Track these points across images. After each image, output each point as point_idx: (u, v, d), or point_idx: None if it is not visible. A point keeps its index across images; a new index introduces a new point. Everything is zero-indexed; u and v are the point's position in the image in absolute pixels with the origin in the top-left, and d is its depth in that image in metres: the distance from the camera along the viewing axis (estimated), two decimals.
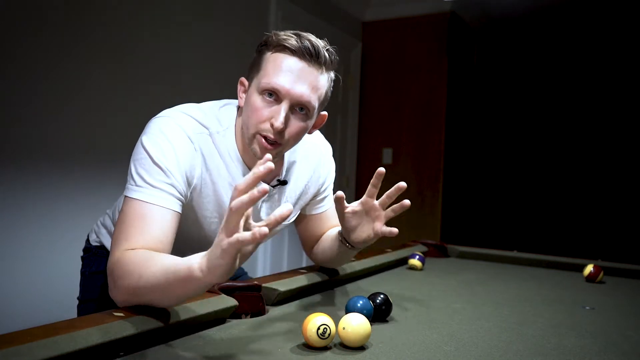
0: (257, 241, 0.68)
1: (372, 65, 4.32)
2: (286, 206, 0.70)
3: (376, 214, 1.08)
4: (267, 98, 1.03)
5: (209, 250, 0.74)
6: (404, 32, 4.22)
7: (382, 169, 1.04)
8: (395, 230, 1.05)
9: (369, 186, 1.06)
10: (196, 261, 0.75)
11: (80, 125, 2.20)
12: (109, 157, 2.28)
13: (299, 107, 1.04)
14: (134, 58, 2.40)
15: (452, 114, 4.17)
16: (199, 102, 1.19)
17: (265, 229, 0.66)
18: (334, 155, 1.36)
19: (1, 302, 1.95)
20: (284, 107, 1.02)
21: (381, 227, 1.07)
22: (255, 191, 0.66)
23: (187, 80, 2.65)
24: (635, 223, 4.85)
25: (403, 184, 1.02)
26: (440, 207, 4.05)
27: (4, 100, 1.93)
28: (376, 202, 1.07)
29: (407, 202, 1.04)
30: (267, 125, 1.03)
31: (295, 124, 1.05)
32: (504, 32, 4.88)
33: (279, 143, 1.05)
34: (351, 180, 4.31)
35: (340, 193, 1.06)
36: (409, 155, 4.17)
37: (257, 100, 1.03)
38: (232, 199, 0.70)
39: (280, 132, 1.03)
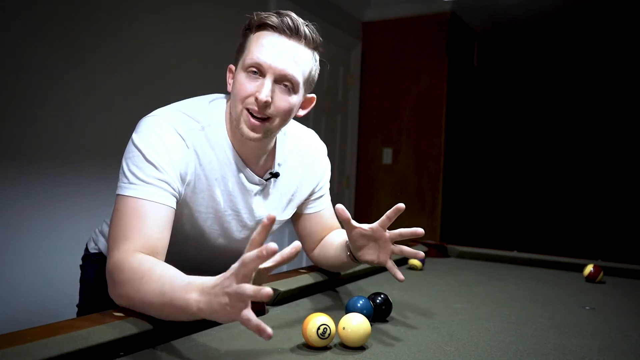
0: (258, 299, 0.68)
1: (372, 65, 4.32)
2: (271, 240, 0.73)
3: (385, 244, 1.08)
4: (252, 75, 1.04)
5: (209, 286, 0.73)
6: (404, 32, 4.22)
7: (402, 206, 1.01)
8: (401, 277, 1.07)
9: (384, 217, 1.04)
10: (194, 298, 0.74)
11: (80, 130, 2.19)
12: (113, 162, 2.26)
13: (283, 83, 1.05)
14: (135, 60, 2.40)
15: (452, 114, 4.17)
16: None
17: (269, 291, 0.66)
18: (333, 155, 1.36)
19: (2, 303, 1.95)
20: (268, 80, 1.03)
21: (386, 261, 1.09)
22: (263, 251, 0.67)
23: (187, 80, 2.65)
24: (635, 223, 4.85)
25: (401, 205, 1.01)
26: (440, 207, 4.05)
27: (5, 103, 1.93)
28: (387, 233, 1.06)
29: (421, 253, 1.10)
30: (252, 99, 1.04)
31: (280, 98, 1.06)
32: (505, 33, 4.88)
33: (266, 118, 1.05)
34: (351, 180, 4.30)
35: (348, 217, 1.05)
36: (409, 155, 4.17)
37: (242, 77, 1.05)
38: (247, 249, 0.72)
39: (265, 106, 1.04)
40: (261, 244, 0.73)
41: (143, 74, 2.44)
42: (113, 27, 2.29)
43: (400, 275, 1.07)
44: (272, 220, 0.72)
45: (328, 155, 1.37)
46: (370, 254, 1.11)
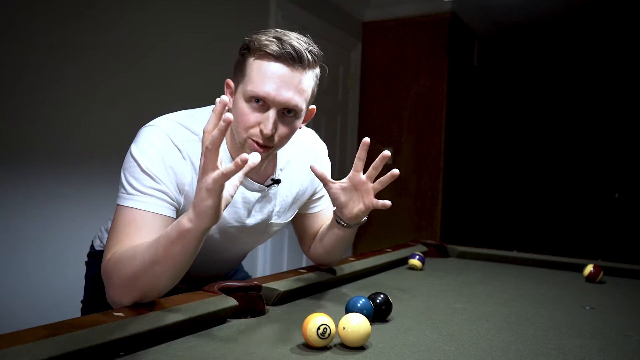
0: (240, 168, 0.75)
1: (372, 66, 4.32)
2: (255, 156, 0.79)
3: (365, 187, 1.10)
4: (254, 104, 1.03)
5: (191, 206, 0.82)
6: (404, 32, 4.21)
7: (367, 139, 1.05)
8: (388, 202, 1.07)
9: (355, 160, 1.08)
10: (184, 219, 0.83)
11: (85, 129, 2.19)
12: (115, 162, 2.26)
13: (286, 111, 1.04)
14: (135, 59, 2.39)
15: (452, 114, 4.17)
16: (199, 103, 1.19)
17: (245, 156, 0.74)
18: (333, 155, 1.36)
19: (3, 302, 1.95)
20: (271, 114, 1.02)
21: (372, 200, 1.10)
22: (239, 161, 0.74)
23: (187, 79, 2.65)
24: (635, 223, 4.84)
25: (387, 152, 1.04)
26: (440, 207, 4.05)
27: (7, 102, 1.93)
28: (363, 176, 1.09)
29: (395, 171, 1.06)
30: (256, 131, 1.04)
31: (284, 127, 1.06)
32: (505, 33, 4.88)
33: (269, 146, 1.06)
34: None
35: (323, 175, 1.09)
36: (409, 155, 4.17)
37: (244, 107, 1.04)
38: (203, 141, 0.78)
39: (269, 138, 1.04)
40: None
41: (143, 74, 2.44)
42: (112, 27, 2.29)
43: (388, 202, 1.08)
44: (245, 162, 0.76)
45: (328, 155, 1.36)
46: (356, 205, 1.12)
